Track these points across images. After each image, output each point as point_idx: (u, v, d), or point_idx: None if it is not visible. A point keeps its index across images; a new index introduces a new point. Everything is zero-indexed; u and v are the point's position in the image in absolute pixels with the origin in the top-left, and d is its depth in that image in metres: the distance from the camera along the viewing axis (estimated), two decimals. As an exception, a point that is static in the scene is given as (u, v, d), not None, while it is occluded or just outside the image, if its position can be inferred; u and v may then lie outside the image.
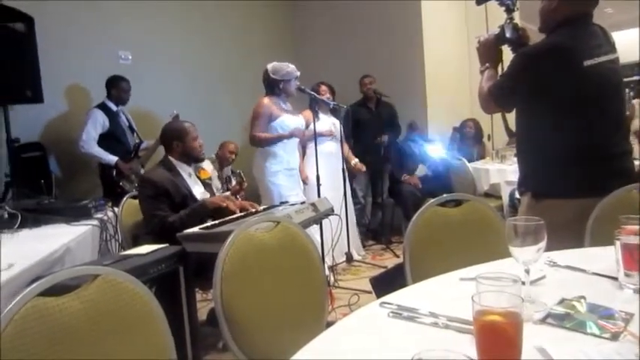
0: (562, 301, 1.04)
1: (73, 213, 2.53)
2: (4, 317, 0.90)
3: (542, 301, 1.04)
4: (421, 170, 4.95)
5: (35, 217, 2.42)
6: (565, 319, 0.96)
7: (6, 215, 2.34)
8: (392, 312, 1.04)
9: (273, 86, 3.50)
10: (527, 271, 1.06)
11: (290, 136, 3.50)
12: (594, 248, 1.45)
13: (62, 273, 1.08)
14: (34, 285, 0.98)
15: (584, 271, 1.22)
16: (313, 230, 3.25)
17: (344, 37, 5.66)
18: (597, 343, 0.87)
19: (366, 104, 4.92)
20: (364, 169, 4.37)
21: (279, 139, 3.48)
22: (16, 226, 2.30)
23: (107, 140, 3.77)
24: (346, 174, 4.14)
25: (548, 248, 1.08)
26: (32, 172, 3.54)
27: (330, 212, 2.73)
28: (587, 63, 1.71)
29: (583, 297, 1.05)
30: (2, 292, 1.43)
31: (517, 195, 2.13)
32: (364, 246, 4.65)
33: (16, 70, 3.28)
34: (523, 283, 1.01)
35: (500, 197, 4.19)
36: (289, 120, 3.51)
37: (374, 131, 4.71)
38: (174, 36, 4.79)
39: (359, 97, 4.97)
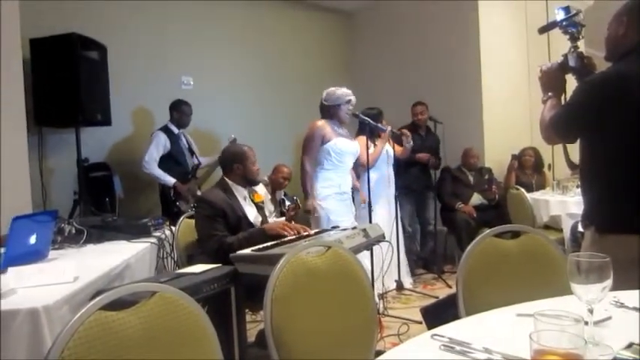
0: (630, 346, 0.97)
1: (133, 231, 2.64)
2: (70, 328, 0.95)
3: (607, 344, 0.97)
4: (476, 199, 4.83)
5: (99, 233, 2.56)
6: (633, 364, 0.90)
7: (73, 231, 2.49)
8: (443, 345, 1.01)
9: (325, 112, 3.55)
10: (591, 311, 1.01)
11: None
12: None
13: (125, 288, 1.14)
14: (97, 298, 1.03)
15: (655, 313, 1.14)
16: (363, 256, 3.23)
17: (401, 63, 5.69)
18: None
19: (417, 131, 4.87)
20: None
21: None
22: (82, 241, 2.44)
23: (167, 161, 3.95)
24: (398, 201, 4.10)
25: (615, 287, 1.02)
26: (98, 190, 3.73)
27: (381, 238, 2.70)
28: None
29: (653, 342, 0.98)
30: (68, 304, 1.51)
31: (580, 228, 2.02)
32: (415, 274, 4.55)
33: (89, 95, 3.50)
34: (586, 323, 0.96)
35: (560, 230, 3.99)
36: (342, 144, 3.49)
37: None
38: (234, 62, 5.01)
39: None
